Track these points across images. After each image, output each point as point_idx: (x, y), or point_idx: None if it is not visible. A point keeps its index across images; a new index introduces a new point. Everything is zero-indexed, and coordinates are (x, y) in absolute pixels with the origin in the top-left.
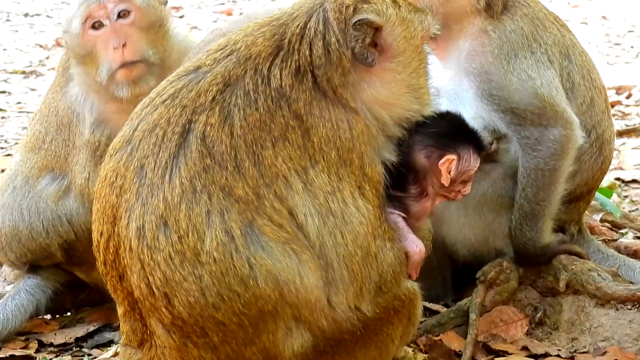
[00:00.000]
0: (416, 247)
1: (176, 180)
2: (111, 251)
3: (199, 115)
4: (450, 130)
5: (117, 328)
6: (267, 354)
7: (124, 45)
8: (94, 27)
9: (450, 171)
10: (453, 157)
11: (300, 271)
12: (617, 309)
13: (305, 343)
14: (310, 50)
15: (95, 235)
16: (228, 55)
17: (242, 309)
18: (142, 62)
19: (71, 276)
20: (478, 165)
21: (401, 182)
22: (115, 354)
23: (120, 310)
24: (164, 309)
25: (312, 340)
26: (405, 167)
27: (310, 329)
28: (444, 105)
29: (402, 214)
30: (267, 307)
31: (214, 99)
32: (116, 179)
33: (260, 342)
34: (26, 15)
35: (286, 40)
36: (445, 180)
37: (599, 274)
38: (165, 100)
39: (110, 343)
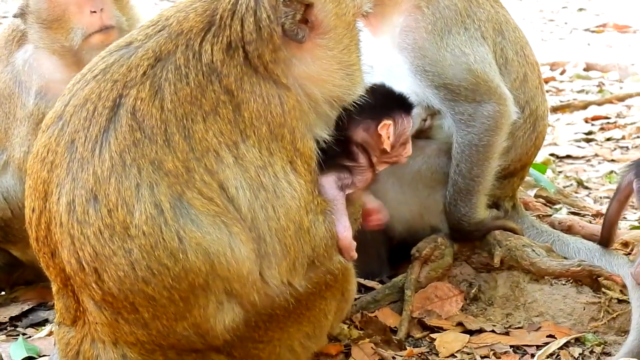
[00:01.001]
0: (344, 231)
1: (106, 154)
2: (43, 227)
3: (130, 90)
4: (379, 100)
5: (52, 307)
6: (198, 329)
7: (101, 10)
8: None
9: (389, 136)
10: (389, 122)
11: (231, 243)
12: (552, 285)
13: (237, 317)
14: (242, 26)
15: (27, 212)
16: (160, 31)
17: (172, 282)
18: (116, 27)
19: (9, 257)
20: (412, 124)
21: (351, 155)
22: (50, 333)
23: (54, 288)
24: (94, 285)
25: (244, 315)
26: (348, 146)
27: (241, 304)
28: (379, 80)
29: (347, 189)
30: (198, 280)
31: (144, 73)
32: (47, 154)
33: (192, 317)
34: None
35: (218, 16)
36: (386, 145)
37: (533, 250)
38: (96, 76)
39: (45, 322)
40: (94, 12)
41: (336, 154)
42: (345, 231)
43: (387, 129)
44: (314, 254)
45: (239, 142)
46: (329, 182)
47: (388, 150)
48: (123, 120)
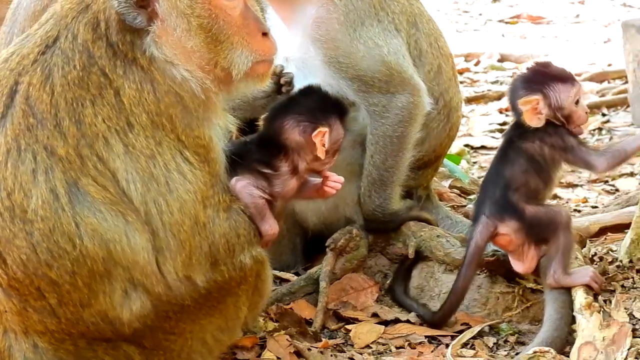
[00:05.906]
0: (270, 228)
1: (2, 139)
2: None
3: (24, 77)
4: (316, 104)
5: None
6: (105, 317)
7: None
8: None
9: (324, 143)
10: (325, 129)
11: (127, 232)
12: None
13: (144, 306)
14: (106, 10)
15: None
16: (49, 18)
17: (72, 267)
18: None
19: None
20: (344, 132)
21: (271, 161)
22: None
23: None
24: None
25: (152, 304)
26: (275, 146)
27: (148, 292)
28: (294, 72)
29: (265, 195)
30: (97, 266)
31: (35, 60)
32: None
33: (97, 304)
34: None
35: None
36: (320, 152)
37: (447, 240)
38: None
39: None
40: None
41: (253, 159)
42: (270, 230)
43: (321, 136)
44: (212, 251)
45: (126, 129)
46: (242, 186)
47: (322, 157)
48: (18, 106)
